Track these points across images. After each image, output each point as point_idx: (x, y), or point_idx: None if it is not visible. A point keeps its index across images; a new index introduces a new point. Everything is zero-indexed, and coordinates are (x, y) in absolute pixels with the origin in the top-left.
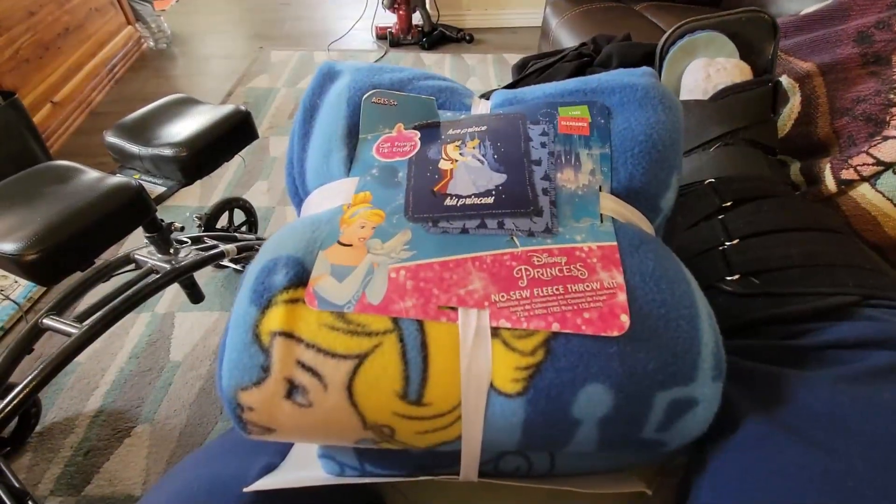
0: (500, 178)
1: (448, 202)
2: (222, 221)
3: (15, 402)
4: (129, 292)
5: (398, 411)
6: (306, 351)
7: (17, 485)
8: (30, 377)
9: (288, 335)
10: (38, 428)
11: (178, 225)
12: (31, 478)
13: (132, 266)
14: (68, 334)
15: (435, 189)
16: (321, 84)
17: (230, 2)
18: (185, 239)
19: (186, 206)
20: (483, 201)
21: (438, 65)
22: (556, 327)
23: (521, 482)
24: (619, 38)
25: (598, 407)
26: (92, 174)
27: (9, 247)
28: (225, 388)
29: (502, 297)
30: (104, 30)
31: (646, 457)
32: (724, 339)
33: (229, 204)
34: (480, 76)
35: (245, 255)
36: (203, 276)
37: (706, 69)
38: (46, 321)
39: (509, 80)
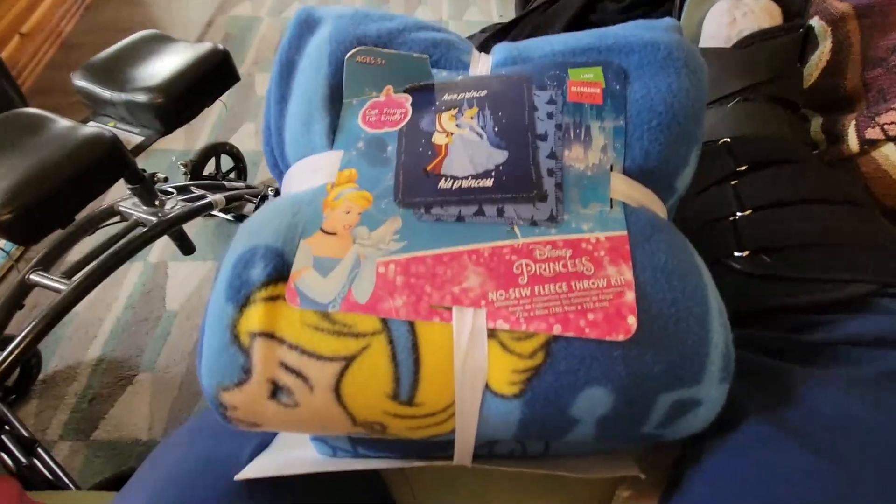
0: (500, 156)
1: (442, 184)
2: (209, 168)
3: (12, 357)
4: (115, 247)
5: (389, 410)
6: (289, 352)
7: (25, 433)
8: (24, 333)
9: (269, 336)
10: (41, 376)
11: (161, 175)
12: (39, 424)
13: (118, 218)
14: (57, 290)
15: (428, 168)
16: (298, 35)
17: None
18: (171, 189)
19: (171, 149)
20: (481, 184)
21: None
22: (557, 330)
23: (518, 468)
24: None
25: (598, 408)
26: (63, 124)
27: None
28: (206, 386)
29: (500, 295)
30: None
31: (640, 445)
32: (731, 327)
33: (215, 150)
34: (479, 5)
35: (235, 204)
36: (194, 225)
37: (732, 12)
38: (34, 277)
39: (511, 9)
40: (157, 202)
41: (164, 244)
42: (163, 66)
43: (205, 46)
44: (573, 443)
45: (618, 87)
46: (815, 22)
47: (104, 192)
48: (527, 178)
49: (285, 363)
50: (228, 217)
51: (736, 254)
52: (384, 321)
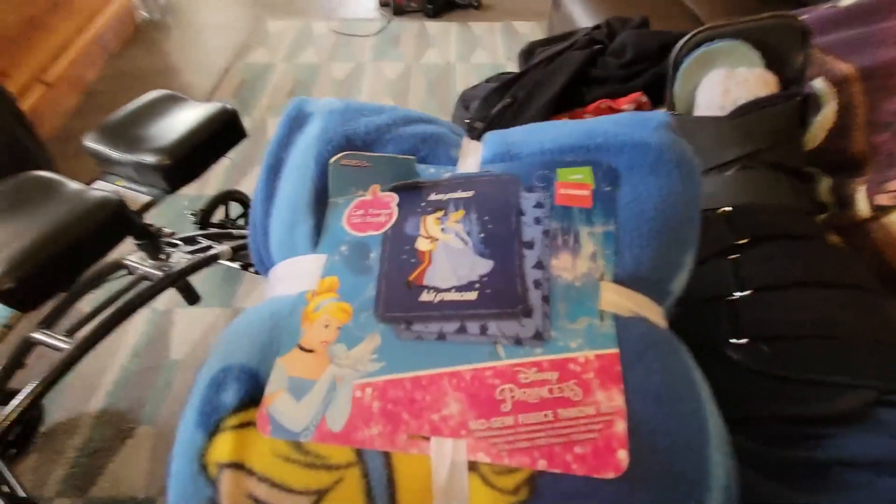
0: (485, 266)
1: (424, 297)
2: (219, 214)
3: (14, 416)
4: (119, 303)
5: None
6: (259, 485)
7: (21, 493)
8: (25, 394)
9: (237, 466)
10: (42, 428)
11: (167, 230)
12: (38, 479)
13: (124, 271)
14: (59, 349)
15: (410, 279)
16: (288, 134)
17: None
18: (177, 241)
19: (183, 195)
20: (464, 297)
21: (443, 34)
22: (542, 465)
23: None
24: (634, 22)
25: None
26: (71, 187)
27: None
28: None
29: (482, 424)
30: (94, 1)
31: None
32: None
33: (225, 197)
34: (487, 47)
35: (242, 253)
36: (201, 272)
37: (725, 82)
38: (36, 335)
39: (517, 52)
40: (162, 255)
41: (172, 291)
42: (171, 127)
43: (214, 106)
44: None
45: (608, 188)
46: (819, 83)
47: (109, 252)
48: (512, 292)
49: (254, 496)
50: (235, 265)
51: (733, 340)
52: (358, 452)
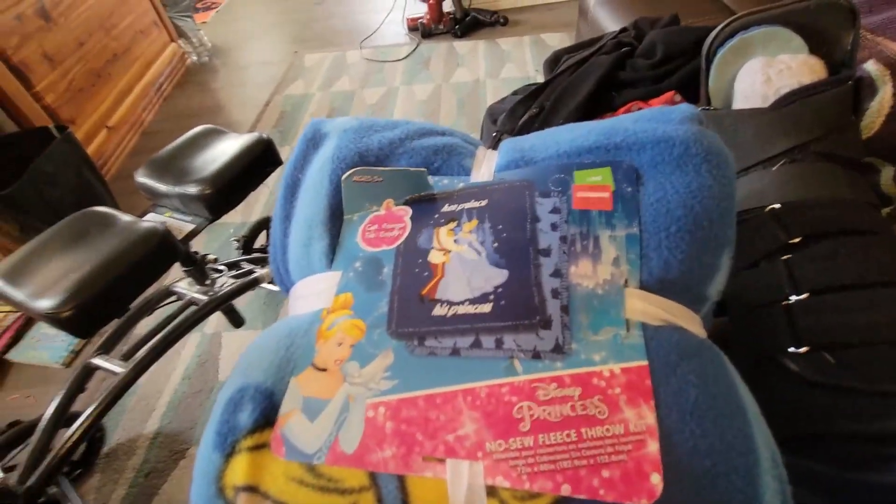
0: (499, 276)
1: (437, 311)
2: (262, 240)
3: (76, 437)
4: (168, 328)
5: None
6: None
7: None
8: (86, 415)
9: (252, 489)
10: (104, 449)
11: (212, 257)
12: (100, 498)
13: (174, 297)
14: (116, 373)
15: (423, 293)
16: (304, 154)
17: (266, 7)
18: (222, 267)
19: (229, 223)
20: (478, 310)
21: (472, 53)
22: (566, 490)
23: None
24: (664, 21)
25: None
26: (123, 220)
27: (44, 304)
28: None
29: (499, 445)
30: (150, 50)
31: None
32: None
33: (266, 223)
34: (516, 61)
35: None
36: (245, 296)
37: (765, 70)
38: (95, 361)
39: (546, 63)
40: (208, 281)
41: (219, 314)
42: (212, 158)
43: (251, 137)
44: None
45: (629, 188)
46: (871, 66)
47: (157, 280)
48: (528, 302)
49: None
50: (276, 288)
51: (791, 349)
52: (372, 476)
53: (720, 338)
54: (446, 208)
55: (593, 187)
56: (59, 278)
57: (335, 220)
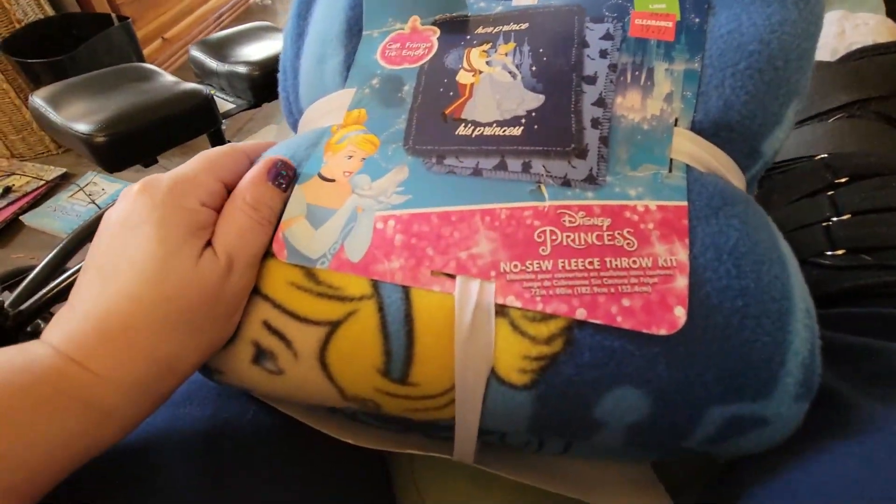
0: (535, 100)
1: (461, 130)
2: None
3: (75, 277)
4: None
5: (380, 388)
6: (272, 311)
7: None
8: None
9: (254, 291)
10: None
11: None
12: None
13: None
14: None
15: (447, 112)
16: None
17: None
18: None
19: None
20: (507, 132)
21: None
22: (581, 314)
23: (529, 479)
24: None
25: (629, 413)
26: (169, 78)
27: (82, 127)
28: None
29: (515, 266)
30: None
31: (681, 457)
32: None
33: None
34: None
35: None
36: None
37: (841, 23)
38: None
39: None
40: None
41: None
42: (264, 48)
43: None
44: (599, 446)
45: (697, 19)
46: None
47: (189, 140)
48: (564, 129)
49: (269, 322)
50: None
51: (828, 253)
52: (375, 285)
53: None
54: (481, 30)
55: (655, 15)
56: (98, 109)
57: (353, 35)
